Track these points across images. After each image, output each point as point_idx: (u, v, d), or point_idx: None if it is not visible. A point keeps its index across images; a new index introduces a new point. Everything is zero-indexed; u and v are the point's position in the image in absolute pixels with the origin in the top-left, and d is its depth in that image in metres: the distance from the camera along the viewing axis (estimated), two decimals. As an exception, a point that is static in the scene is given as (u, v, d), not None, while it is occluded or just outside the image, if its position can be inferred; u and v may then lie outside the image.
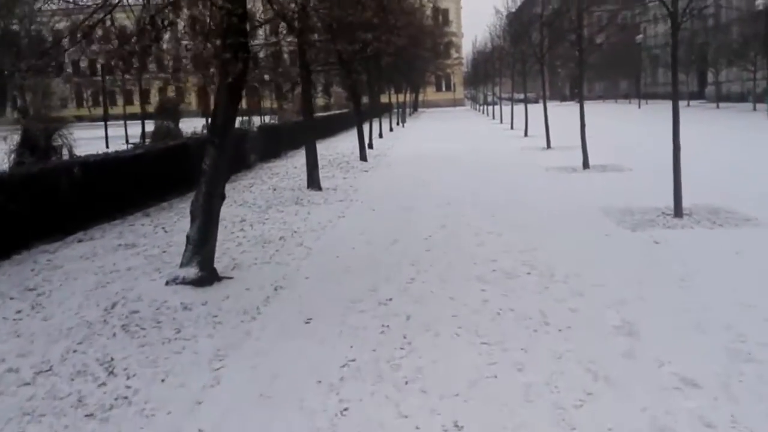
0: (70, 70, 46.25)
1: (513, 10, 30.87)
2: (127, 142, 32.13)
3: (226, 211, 12.91)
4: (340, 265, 8.72)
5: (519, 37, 29.51)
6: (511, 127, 35.78)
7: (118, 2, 8.12)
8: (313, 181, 15.35)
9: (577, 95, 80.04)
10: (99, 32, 8.52)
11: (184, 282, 7.66)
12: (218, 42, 7.51)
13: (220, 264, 8.66)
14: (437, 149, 25.76)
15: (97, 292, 7.79)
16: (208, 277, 7.79)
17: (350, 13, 16.57)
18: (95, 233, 11.35)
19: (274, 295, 7.51)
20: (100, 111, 51.10)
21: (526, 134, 30.09)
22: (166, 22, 7.26)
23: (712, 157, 18.36)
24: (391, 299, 7.18)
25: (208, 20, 7.05)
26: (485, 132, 36.13)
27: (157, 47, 8.06)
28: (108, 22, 8.14)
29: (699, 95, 62.16)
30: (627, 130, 32.64)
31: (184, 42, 11.48)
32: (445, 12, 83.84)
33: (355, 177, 18.08)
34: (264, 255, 9.34)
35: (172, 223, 11.89)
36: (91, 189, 11.79)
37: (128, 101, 47.34)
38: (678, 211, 10.94)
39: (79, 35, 7.54)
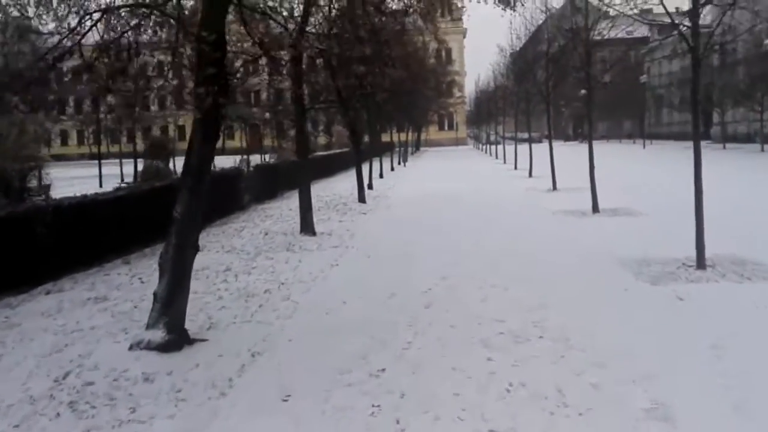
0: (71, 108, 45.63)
1: (517, 48, 30.27)
2: (122, 181, 31.47)
3: (211, 258, 12.10)
4: (328, 325, 7.80)
5: (523, 75, 28.92)
6: (515, 167, 35.04)
7: (87, 31, 7.39)
8: (307, 226, 14.46)
9: (581, 135, 79.44)
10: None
11: (149, 347, 6.74)
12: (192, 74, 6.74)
13: (194, 323, 7.77)
14: (439, 190, 24.96)
15: (51, 358, 6.87)
16: (177, 340, 6.87)
17: (347, 48, 15.95)
18: (66, 284, 10.45)
19: (250, 362, 6.58)
20: (103, 148, 50.63)
21: (530, 174, 29.32)
22: (131, 51, 6.48)
23: (726, 201, 17.50)
24: (384, 369, 6.25)
25: (175, 43, 6.26)
26: (488, 172, 35.39)
27: (124, 79, 7.27)
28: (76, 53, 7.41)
29: (704, 135, 61.63)
30: (634, 171, 31.81)
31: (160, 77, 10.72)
32: (448, 51, 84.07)
33: (353, 220, 17.22)
34: (245, 312, 8.42)
35: (150, 273, 10.97)
36: (66, 235, 10.94)
37: (131, 138, 46.63)
38: (701, 262, 10.04)
39: (40, 66, 6.74)
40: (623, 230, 13.95)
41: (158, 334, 6.79)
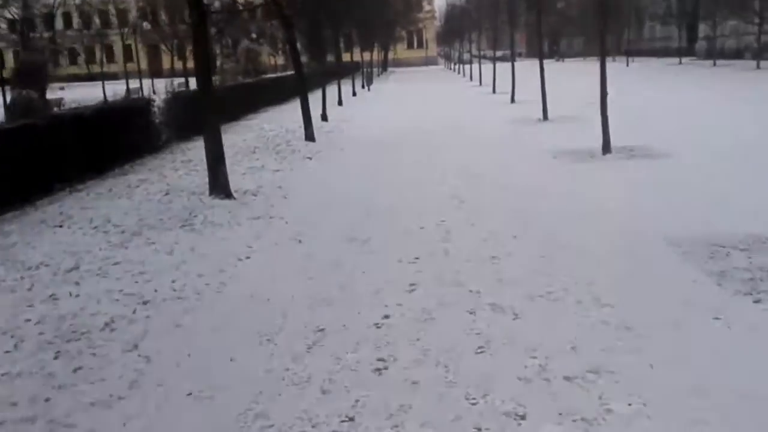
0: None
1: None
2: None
3: (61, 243, 7.96)
4: (183, 429, 3.94)
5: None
6: (493, 91, 30.78)
7: None
8: (218, 185, 10.21)
9: (557, 53, 74.70)
10: None
11: None
12: None
13: None
14: (406, 122, 20.84)
15: None
16: None
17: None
18: None
19: None
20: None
21: (512, 100, 25.25)
22: None
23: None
24: None
25: None
26: (463, 96, 31.18)
27: None
28: None
29: (687, 51, 57.49)
30: (628, 94, 27.21)
31: None
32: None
33: (292, 169, 13.11)
34: (43, 387, 4.45)
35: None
36: None
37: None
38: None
39: None
40: (653, 183, 10.23)
41: None
